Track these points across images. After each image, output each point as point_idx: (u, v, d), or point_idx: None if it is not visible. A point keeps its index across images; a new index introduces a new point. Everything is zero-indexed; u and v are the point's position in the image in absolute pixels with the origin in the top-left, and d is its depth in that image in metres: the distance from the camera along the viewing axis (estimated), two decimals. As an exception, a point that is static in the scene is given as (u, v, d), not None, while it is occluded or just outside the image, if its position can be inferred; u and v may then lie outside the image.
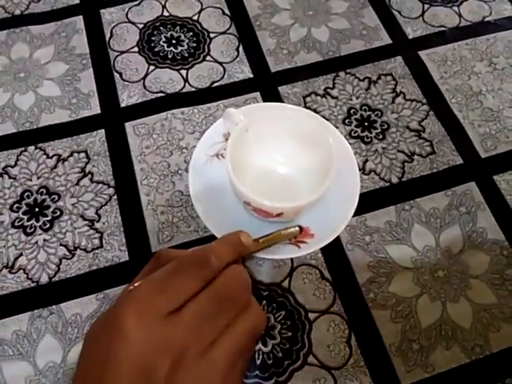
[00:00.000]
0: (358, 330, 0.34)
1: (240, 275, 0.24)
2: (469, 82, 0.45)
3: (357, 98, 0.44)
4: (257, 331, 0.24)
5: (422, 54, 0.47)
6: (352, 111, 0.43)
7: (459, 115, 0.43)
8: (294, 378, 0.32)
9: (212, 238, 0.33)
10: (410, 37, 0.48)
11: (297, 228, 0.34)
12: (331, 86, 0.45)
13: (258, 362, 0.32)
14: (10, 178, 0.39)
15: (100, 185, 0.39)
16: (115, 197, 0.38)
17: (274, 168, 0.38)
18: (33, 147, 0.41)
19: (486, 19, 0.49)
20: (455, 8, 0.50)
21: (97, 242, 0.37)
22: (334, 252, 0.37)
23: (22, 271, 0.35)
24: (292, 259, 0.36)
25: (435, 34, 0.48)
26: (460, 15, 0.49)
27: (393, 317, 0.34)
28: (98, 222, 0.37)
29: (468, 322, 0.34)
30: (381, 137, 0.42)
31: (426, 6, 0.50)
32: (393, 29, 0.48)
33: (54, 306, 0.34)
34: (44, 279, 0.35)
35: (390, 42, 0.48)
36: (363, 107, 0.43)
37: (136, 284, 0.23)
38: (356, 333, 0.34)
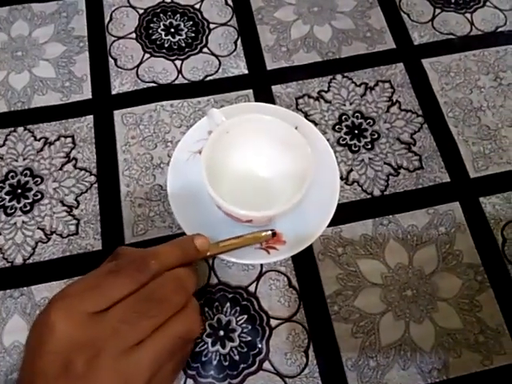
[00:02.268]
0: (317, 341, 0.34)
1: (176, 278, 0.25)
2: (470, 95, 0.43)
3: (350, 103, 0.43)
4: (189, 336, 0.24)
5: (426, 62, 0.45)
6: (344, 117, 0.42)
7: (454, 130, 0.42)
8: (246, 382, 0.33)
9: (184, 235, 0.33)
10: (416, 43, 0.46)
11: (269, 233, 0.34)
12: (326, 89, 0.44)
13: (215, 362, 0.33)
14: (-3, 157, 0.40)
15: (82, 171, 0.40)
16: (96, 185, 0.39)
17: (253, 172, 0.38)
18: (22, 128, 0.41)
19: (499, 29, 0.47)
20: (468, 15, 0.47)
21: (73, 228, 0.37)
22: (304, 261, 0.37)
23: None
24: (261, 264, 0.36)
25: (442, 42, 0.46)
26: (472, 23, 0.47)
27: (354, 331, 0.34)
28: (76, 208, 0.38)
29: (429, 344, 0.34)
30: (369, 146, 0.41)
31: (438, 11, 0.48)
32: (399, 33, 0.47)
33: (25, 288, 0.35)
34: (19, 260, 0.36)
35: (394, 46, 0.46)
36: (356, 114, 0.42)
37: (76, 280, 0.24)
38: (315, 343, 0.34)
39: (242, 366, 0.33)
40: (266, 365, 0.33)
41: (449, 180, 0.40)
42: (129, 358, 0.22)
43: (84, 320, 0.22)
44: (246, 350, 0.34)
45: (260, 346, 0.34)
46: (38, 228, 0.37)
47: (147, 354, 0.22)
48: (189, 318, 0.24)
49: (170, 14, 0.47)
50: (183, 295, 0.25)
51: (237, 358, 0.33)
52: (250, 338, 0.34)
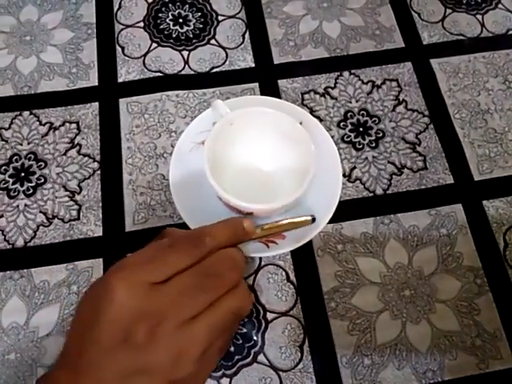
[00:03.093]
0: (312, 336, 0.34)
1: (231, 257, 0.25)
2: (478, 98, 0.43)
3: (357, 101, 0.43)
4: (240, 312, 0.25)
5: (434, 62, 0.45)
6: (349, 114, 0.42)
7: (460, 132, 0.41)
8: (241, 373, 0.33)
9: (185, 225, 0.33)
10: (425, 42, 0.46)
11: (309, 217, 0.32)
12: (332, 85, 0.43)
13: (209, 352, 0.33)
14: (2, 140, 0.40)
15: (86, 158, 0.40)
16: (99, 172, 0.39)
17: (256, 165, 0.38)
18: (28, 112, 0.41)
19: (510, 32, 0.46)
20: (479, 16, 0.47)
21: (74, 213, 0.37)
22: (303, 256, 0.36)
23: (0, 232, 0.37)
24: (260, 257, 0.36)
25: (452, 43, 0.46)
26: (483, 25, 0.47)
27: (350, 329, 0.34)
28: (78, 194, 0.38)
29: (425, 345, 0.34)
30: (373, 145, 0.41)
31: (449, 11, 0.47)
32: (408, 32, 0.46)
33: (25, 270, 0.35)
34: (20, 243, 0.36)
35: (403, 45, 0.46)
36: (361, 112, 0.42)
37: (134, 252, 0.24)
38: (310, 339, 0.34)
39: (236, 357, 0.33)
40: (261, 357, 0.33)
41: (452, 182, 0.39)
42: (185, 330, 0.22)
43: (144, 290, 0.22)
44: (241, 341, 0.34)
45: (255, 338, 0.34)
46: (40, 212, 0.37)
47: (202, 328, 0.22)
48: (241, 295, 0.25)
49: (178, 4, 0.47)
50: (237, 273, 0.25)
51: (232, 349, 0.33)
52: (245, 330, 0.34)
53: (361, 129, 0.41)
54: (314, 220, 0.32)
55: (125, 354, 0.21)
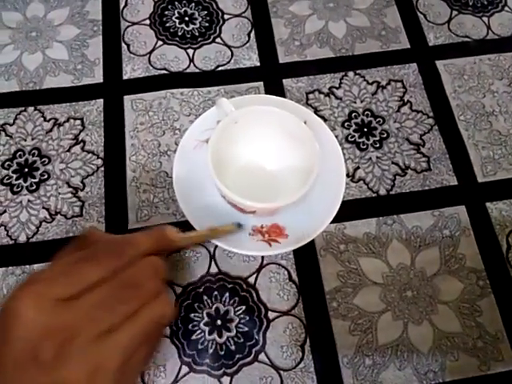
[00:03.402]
0: (314, 336, 0.34)
1: (152, 265, 0.24)
2: (483, 100, 0.43)
3: (361, 101, 0.43)
4: (162, 321, 0.24)
5: (440, 63, 0.45)
6: (353, 115, 0.42)
7: (464, 134, 0.41)
8: (241, 372, 0.33)
9: (188, 223, 0.33)
10: (431, 44, 0.46)
11: (233, 226, 0.33)
12: (337, 85, 0.43)
13: (211, 351, 0.33)
14: (6, 135, 0.40)
15: (90, 154, 0.40)
16: (102, 168, 0.39)
17: (260, 163, 0.38)
18: (32, 108, 0.42)
19: (516, 35, 0.46)
20: (485, 19, 0.47)
21: (77, 210, 0.38)
22: (305, 255, 0.36)
23: (3, 228, 0.37)
24: (262, 256, 0.36)
25: (458, 44, 0.46)
26: (488, 27, 0.46)
27: (351, 329, 0.34)
28: (82, 190, 0.38)
29: (427, 346, 0.34)
30: (378, 145, 0.41)
31: (455, 13, 0.47)
32: (414, 33, 0.46)
33: (27, 266, 0.35)
34: (22, 238, 0.37)
35: (408, 46, 0.45)
36: (366, 112, 0.42)
37: (47, 266, 0.23)
38: (312, 338, 0.34)
39: (237, 356, 0.33)
40: (262, 356, 0.33)
41: (456, 183, 0.39)
42: (101, 343, 0.21)
43: (54, 306, 0.21)
44: (242, 340, 0.34)
45: (257, 337, 0.34)
46: (43, 208, 0.38)
47: (120, 340, 0.22)
48: (163, 304, 0.24)
49: (184, 2, 0.47)
50: (158, 282, 0.24)
51: (233, 347, 0.33)
52: (247, 329, 0.34)
53: (365, 129, 0.41)
54: (239, 226, 0.33)
55: (34, 372, 0.20)
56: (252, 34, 0.46)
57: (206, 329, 0.34)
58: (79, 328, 0.21)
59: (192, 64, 0.44)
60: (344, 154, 0.37)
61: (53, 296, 0.21)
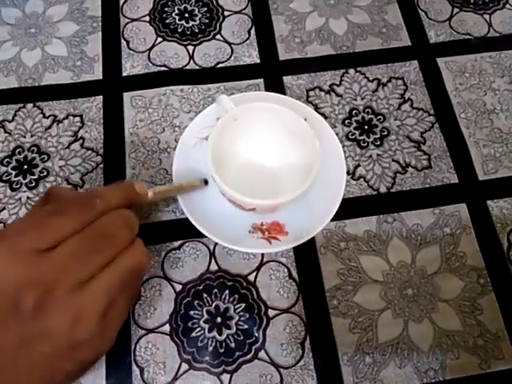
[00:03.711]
0: (314, 333, 0.34)
1: (122, 216, 0.25)
2: (484, 97, 0.43)
3: (362, 98, 0.43)
4: (139, 268, 0.24)
5: (441, 61, 0.44)
6: (354, 112, 0.42)
7: (465, 132, 0.41)
8: (241, 370, 0.33)
9: (187, 220, 0.33)
10: (432, 41, 0.45)
11: (200, 181, 0.34)
12: (338, 82, 0.43)
13: (210, 348, 0.33)
14: (5, 132, 0.40)
15: (89, 151, 0.40)
16: (102, 165, 0.39)
17: (259, 161, 0.38)
18: (31, 105, 0.41)
19: (518, 32, 0.46)
20: (486, 16, 0.47)
21: (77, 207, 0.37)
22: (306, 253, 0.36)
23: (1, 225, 0.36)
24: (262, 254, 0.36)
25: (459, 42, 0.45)
26: (490, 24, 0.46)
27: (352, 327, 0.34)
28: (81, 187, 0.38)
29: (427, 344, 0.34)
30: (378, 143, 0.41)
31: (456, 10, 0.47)
32: (415, 30, 0.46)
33: (26, 263, 0.35)
34: (22, 235, 0.36)
35: (409, 44, 0.45)
36: (366, 109, 0.42)
37: (17, 219, 0.24)
38: (312, 336, 0.34)
39: (237, 353, 0.33)
40: (262, 354, 0.33)
41: (457, 181, 0.39)
42: (80, 293, 0.22)
43: (30, 257, 0.21)
44: (242, 338, 0.33)
45: (257, 335, 0.34)
46: (42, 205, 0.37)
47: (99, 289, 0.22)
48: (137, 252, 0.24)
49: (185, -2, 0.47)
50: (130, 231, 0.25)
51: (233, 345, 0.33)
52: (246, 327, 0.34)
53: (366, 127, 0.41)
54: (206, 182, 0.34)
55: (17, 323, 0.21)
56: (252, 31, 0.45)
57: (206, 326, 0.34)
58: (56, 279, 0.21)
59: (192, 61, 0.44)
60: (344, 152, 0.37)
61: (26, 248, 0.21)
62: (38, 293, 0.21)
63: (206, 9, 0.46)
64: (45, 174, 0.39)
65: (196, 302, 0.34)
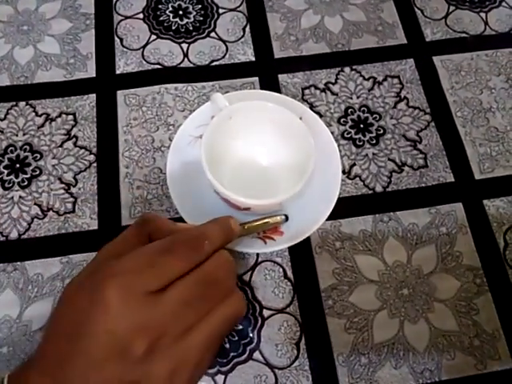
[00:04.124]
0: (309, 334, 0.34)
1: (228, 261, 0.24)
2: (480, 96, 0.43)
3: (357, 97, 0.42)
4: (235, 319, 0.24)
5: (437, 59, 0.44)
6: (350, 111, 0.42)
7: (461, 130, 0.41)
8: (236, 370, 0.32)
9: (181, 219, 0.33)
10: (428, 39, 0.45)
11: (282, 217, 0.33)
12: (333, 81, 0.43)
13: (204, 349, 0.33)
14: (-3, 130, 0.40)
15: (82, 150, 0.39)
16: (95, 164, 0.39)
17: (254, 160, 0.37)
18: (24, 103, 0.41)
19: (514, 31, 0.46)
20: (482, 14, 0.46)
21: (70, 206, 0.37)
22: (301, 253, 0.36)
23: (-7, 224, 0.36)
24: (257, 253, 0.36)
25: (455, 40, 0.45)
26: (486, 23, 0.46)
27: (347, 327, 0.34)
28: (74, 186, 0.38)
29: (423, 344, 0.34)
30: (374, 142, 0.40)
31: (452, 8, 0.47)
32: (411, 28, 0.46)
33: (18, 263, 0.35)
34: (14, 235, 0.36)
35: (405, 42, 0.45)
36: (362, 108, 0.42)
37: (126, 255, 0.23)
38: (307, 337, 0.34)
39: (232, 354, 0.33)
40: (257, 355, 0.33)
41: (453, 180, 0.39)
42: (183, 341, 0.21)
43: (142, 300, 0.21)
44: (237, 338, 0.33)
45: (251, 335, 0.33)
46: (35, 204, 0.37)
47: (200, 338, 0.22)
48: (237, 301, 0.24)
49: (179, -4, 0.46)
50: (234, 277, 0.24)
51: (227, 346, 0.33)
52: (241, 327, 0.33)
53: (361, 125, 0.41)
54: (287, 219, 0.33)
55: (118, 366, 0.20)
56: (247, 29, 0.45)
57: (200, 327, 0.33)
58: (166, 325, 0.21)
59: (186, 59, 0.43)
60: (340, 151, 0.36)
61: (140, 289, 0.21)
62: (150, 339, 0.20)
63: (200, 6, 0.46)
64: (37, 172, 0.38)
65: (190, 302, 0.34)
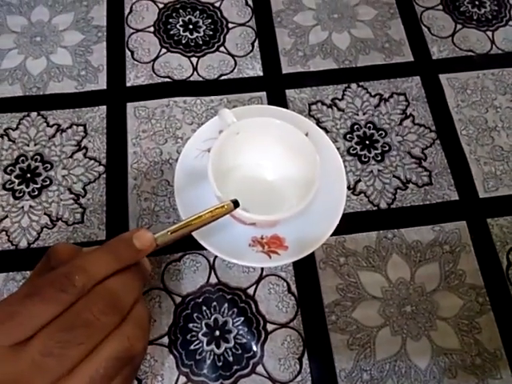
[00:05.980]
0: (312, 349, 0.34)
1: (108, 295, 0.22)
2: (485, 115, 0.43)
3: (364, 113, 0.43)
4: (127, 354, 0.22)
5: (443, 77, 0.45)
6: (356, 127, 0.42)
7: (466, 149, 0.41)
8: (239, 384, 0.33)
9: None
10: (434, 57, 0.46)
11: (227, 205, 0.29)
12: (340, 97, 0.43)
13: (208, 361, 0.33)
14: (9, 140, 0.40)
15: (92, 161, 0.40)
16: (104, 175, 0.39)
17: (260, 175, 0.38)
18: (35, 113, 0.42)
19: (520, 50, 0.46)
20: (489, 33, 0.47)
21: (78, 216, 0.38)
22: (305, 267, 0.36)
23: (4, 233, 0.37)
24: (262, 268, 0.36)
25: (461, 58, 0.46)
26: (493, 41, 0.47)
27: (350, 343, 0.34)
28: (83, 197, 0.38)
29: (425, 362, 0.34)
30: (379, 158, 0.41)
31: (459, 27, 0.47)
32: (418, 46, 0.46)
33: (28, 272, 0.35)
34: (23, 244, 0.37)
35: (412, 59, 0.46)
36: (368, 124, 0.42)
37: None
38: (310, 352, 0.34)
39: (235, 367, 0.33)
40: (260, 368, 0.33)
41: (457, 198, 0.39)
42: None
43: (5, 354, 0.19)
44: (240, 351, 0.34)
45: (255, 349, 0.34)
46: (45, 214, 0.38)
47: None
48: (125, 336, 0.21)
49: (189, 10, 0.47)
50: (115, 313, 0.21)
51: (231, 359, 0.33)
52: (245, 341, 0.34)
53: (367, 142, 0.41)
54: (236, 206, 0.28)
55: None
56: (256, 44, 0.46)
57: (205, 339, 0.34)
58: (30, 379, 0.19)
59: (195, 72, 0.44)
60: (345, 167, 0.37)
61: (1, 343, 0.20)
62: None
63: (210, 21, 0.47)
64: (47, 182, 0.39)
65: (195, 314, 0.35)
